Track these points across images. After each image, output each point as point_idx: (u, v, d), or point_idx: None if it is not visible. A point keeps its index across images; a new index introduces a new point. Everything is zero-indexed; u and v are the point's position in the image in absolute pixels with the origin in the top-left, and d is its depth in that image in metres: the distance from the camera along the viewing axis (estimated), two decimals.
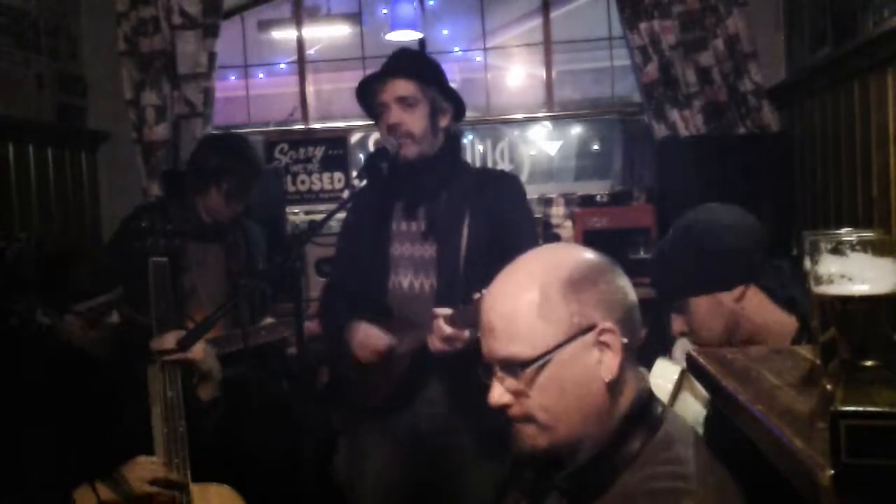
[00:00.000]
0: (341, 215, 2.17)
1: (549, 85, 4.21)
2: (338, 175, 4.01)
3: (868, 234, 0.88)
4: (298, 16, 4.35)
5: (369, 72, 2.20)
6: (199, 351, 2.00)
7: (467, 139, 4.38)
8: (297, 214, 4.02)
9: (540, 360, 1.10)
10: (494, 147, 4.53)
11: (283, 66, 4.66)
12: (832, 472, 0.71)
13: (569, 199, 3.88)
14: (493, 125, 4.48)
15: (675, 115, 3.47)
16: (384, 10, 4.40)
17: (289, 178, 3.99)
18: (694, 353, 1.24)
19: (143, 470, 1.89)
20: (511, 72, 4.86)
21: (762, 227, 1.69)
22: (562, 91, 4.49)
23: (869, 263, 0.85)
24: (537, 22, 4.26)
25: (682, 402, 1.75)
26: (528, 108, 4.49)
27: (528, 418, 1.13)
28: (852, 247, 0.85)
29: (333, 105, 4.68)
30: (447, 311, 1.93)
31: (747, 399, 0.95)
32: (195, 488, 1.98)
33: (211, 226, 2.63)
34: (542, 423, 1.13)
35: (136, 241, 2.56)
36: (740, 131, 3.43)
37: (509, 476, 1.40)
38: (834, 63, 2.89)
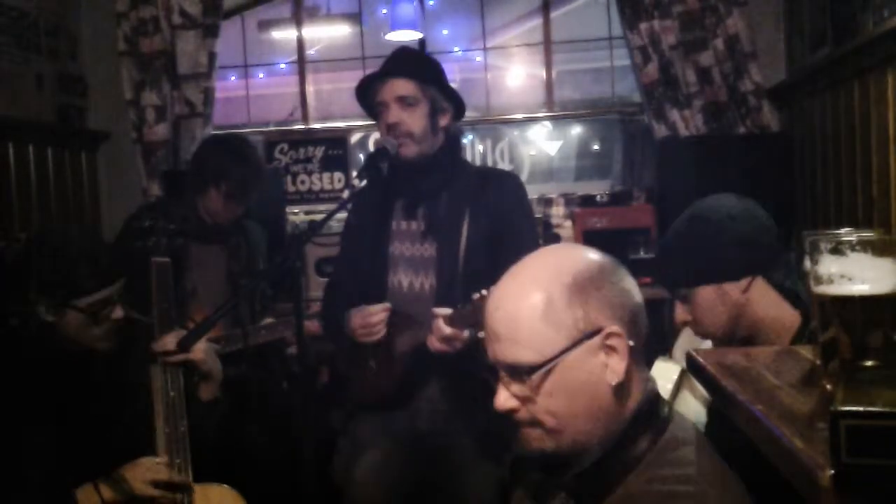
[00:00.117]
0: (341, 215, 2.17)
1: (549, 85, 4.21)
2: (338, 175, 4.01)
3: (868, 234, 0.88)
4: (298, 16, 4.35)
5: (369, 72, 2.20)
6: (199, 351, 2.00)
7: (467, 139, 4.37)
8: (297, 214, 4.02)
9: (546, 366, 1.09)
10: (494, 147, 4.53)
11: (283, 66, 4.66)
12: (832, 472, 0.71)
13: (569, 199, 3.88)
14: (493, 125, 4.49)
15: (675, 115, 3.48)
16: (384, 10, 4.40)
17: (289, 178, 3.99)
18: (694, 353, 1.24)
19: (146, 471, 1.88)
20: (511, 72, 4.86)
21: (772, 220, 1.67)
22: (562, 91, 4.48)
23: (869, 263, 0.85)
24: (537, 22, 4.26)
25: (682, 402, 1.75)
26: (528, 108, 4.49)
27: (535, 423, 1.12)
28: (852, 247, 0.86)
29: (333, 105, 4.67)
30: (447, 311, 1.93)
31: (747, 399, 0.95)
32: (197, 489, 1.97)
33: (211, 226, 2.63)
34: (548, 428, 1.12)
35: (139, 240, 2.56)
36: (740, 131, 3.43)
37: (513, 476, 1.40)
38: (834, 63, 2.89)
